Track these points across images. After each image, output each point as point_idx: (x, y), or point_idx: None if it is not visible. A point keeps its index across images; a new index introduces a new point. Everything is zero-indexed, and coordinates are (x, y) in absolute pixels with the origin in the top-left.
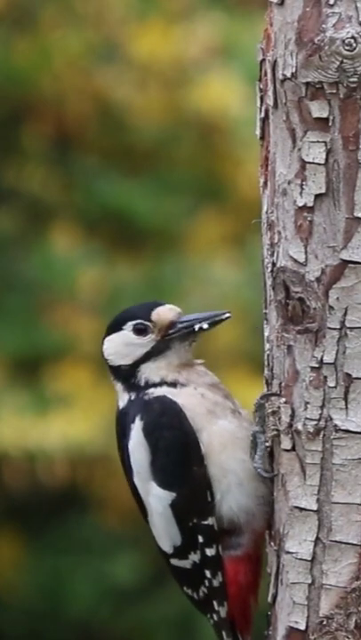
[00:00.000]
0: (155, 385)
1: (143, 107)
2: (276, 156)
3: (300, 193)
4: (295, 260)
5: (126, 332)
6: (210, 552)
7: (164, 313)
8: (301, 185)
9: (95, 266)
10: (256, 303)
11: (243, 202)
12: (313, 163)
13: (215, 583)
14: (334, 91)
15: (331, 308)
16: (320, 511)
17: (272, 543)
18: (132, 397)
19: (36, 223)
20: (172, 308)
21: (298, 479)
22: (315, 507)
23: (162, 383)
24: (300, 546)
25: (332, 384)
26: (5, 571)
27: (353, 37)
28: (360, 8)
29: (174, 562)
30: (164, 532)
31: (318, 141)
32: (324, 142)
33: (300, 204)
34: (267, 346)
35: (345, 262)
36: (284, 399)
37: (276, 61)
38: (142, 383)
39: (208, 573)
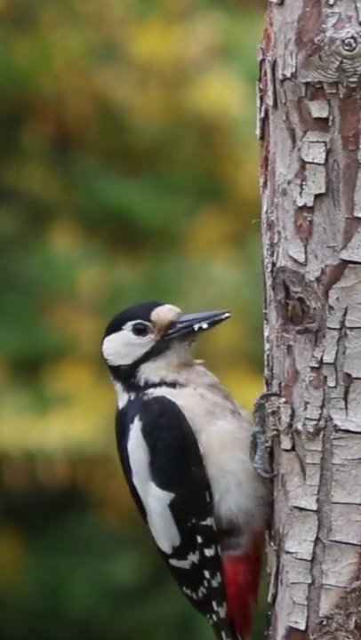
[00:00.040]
0: (154, 385)
1: (143, 107)
2: (275, 156)
3: (300, 193)
4: (295, 260)
5: (126, 332)
6: (209, 552)
7: (164, 313)
8: (301, 185)
9: (95, 266)
10: (256, 303)
11: (243, 202)
12: (313, 163)
13: (214, 583)
14: (334, 91)
15: (331, 308)
16: (320, 511)
17: (272, 543)
18: (132, 398)
19: (36, 223)
20: (172, 308)
21: (298, 479)
22: (315, 507)
23: (161, 383)
24: (300, 546)
25: (332, 384)
26: (5, 571)
27: (353, 37)
28: (360, 8)
29: (173, 562)
30: (163, 532)
31: (318, 141)
32: (324, 142)
33: (300, 204)
34: (267, 346)
35: (345, 262)
36: (284, 399)
37: (275, 61)
38: (142, 383)
39: (207, 574)
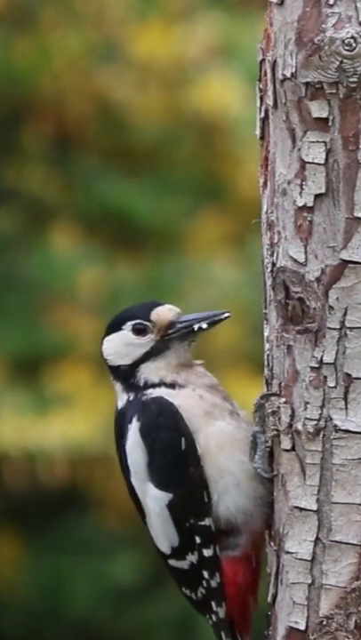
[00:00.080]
0: (153, 385)
1: (143, 107)
2: (275, 156)
3: (300, 193)
4: (295, 260)
5: (126, 332)
6: (207, 553)
7: (164, 313)
8: (301, 185)
9: (95, 266)
10: (256, 303)
11: (243, 202)
12: (313, 163)
13: (213, 584)
14: (334, 91)
15: (331, 308)
16: (320, 511)
17: (272, 543)
18: (131, 398)
19: (36, 223)
20: (172, 308)
21: (298, 479)
22: (315, 507)
23: (160, 384)
24: (300, 546)
25: (332, 384)
26: (5, 571)
27: (353, 37)
28: (360, 8)
29: (172, 562)
30: (162, 532)
31: (318, 141)
32: (324, 142)
33: (300, 204)
34: (267, 346)
35: (345, 262)
36: (283, 399)
37: (275, 61)
38: (141, 383)
39: (206, 574)
